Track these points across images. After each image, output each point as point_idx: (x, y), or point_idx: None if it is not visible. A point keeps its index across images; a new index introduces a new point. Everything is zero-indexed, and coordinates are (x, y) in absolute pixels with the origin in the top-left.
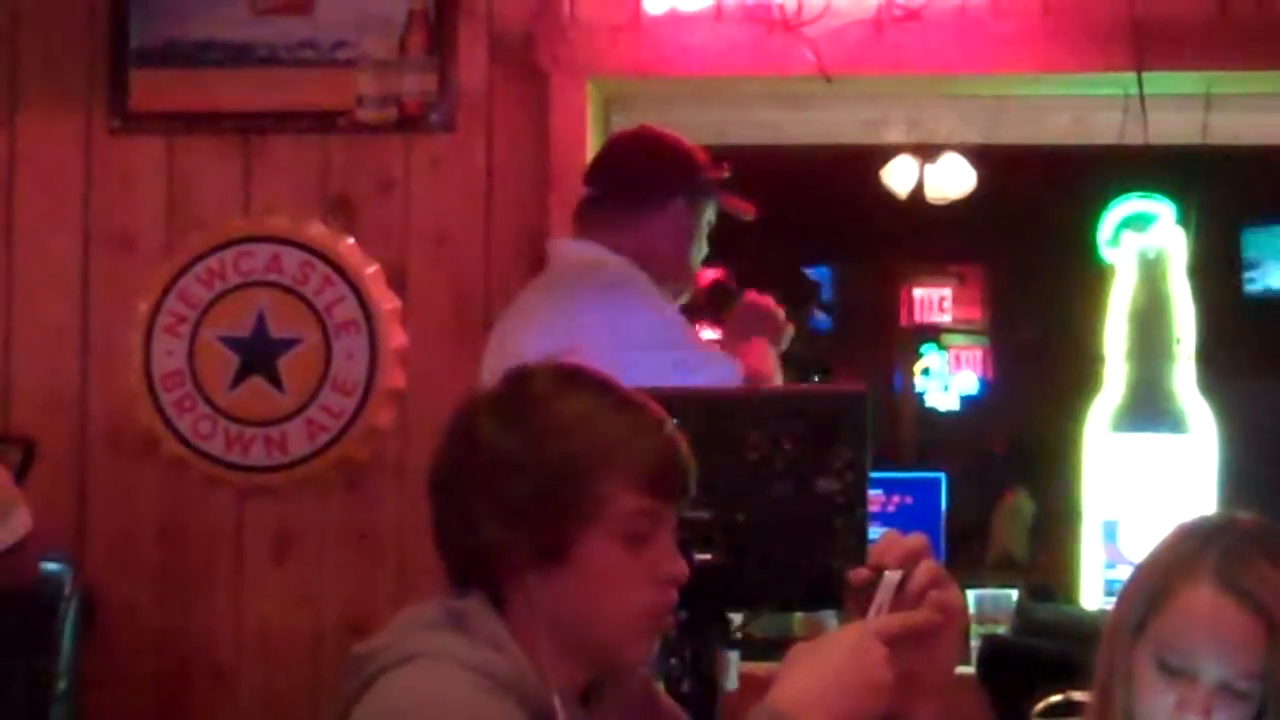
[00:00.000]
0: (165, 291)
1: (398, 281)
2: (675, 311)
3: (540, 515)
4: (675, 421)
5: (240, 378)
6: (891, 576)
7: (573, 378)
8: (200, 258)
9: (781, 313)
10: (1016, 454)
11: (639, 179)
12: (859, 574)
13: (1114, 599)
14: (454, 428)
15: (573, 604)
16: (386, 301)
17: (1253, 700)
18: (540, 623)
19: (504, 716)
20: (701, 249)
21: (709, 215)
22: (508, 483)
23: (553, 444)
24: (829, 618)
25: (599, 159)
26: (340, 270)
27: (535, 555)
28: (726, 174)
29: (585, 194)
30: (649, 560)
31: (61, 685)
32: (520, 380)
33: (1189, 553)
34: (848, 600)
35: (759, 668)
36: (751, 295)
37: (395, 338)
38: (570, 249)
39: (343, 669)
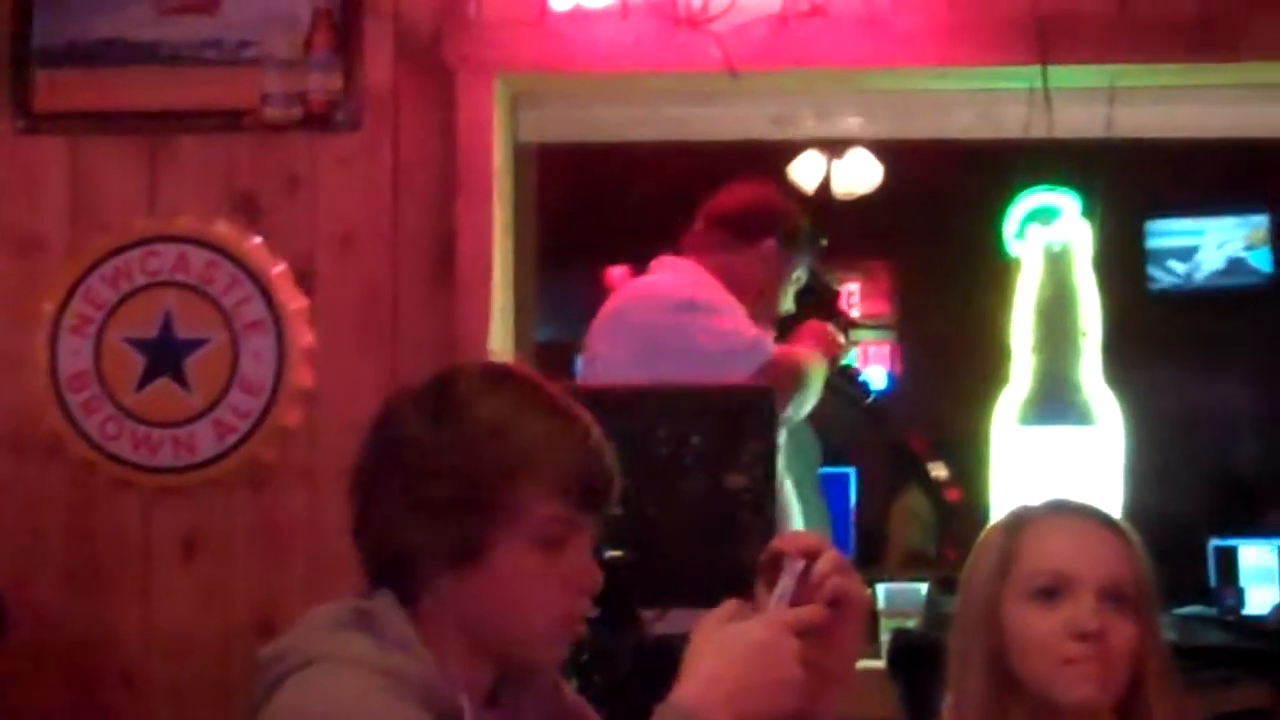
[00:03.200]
0: (70, 293)
1: (305, 281)
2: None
3: (457, 516)
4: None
5: (147, 379)
6: (795, 564)
7: (501, 378)
8: (105, 258)
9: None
10: (924, 450)
11: (738, 213)
12: (765, 553)
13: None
14: (378, 422)
15: (485, 607)
16: (294, 301)
17: (1134, 614)
18: (451, 623)
19: (410, 717)
20: (785, 298)
21: (800, 271)
22: (427, 481)
23: (473, 446)
24: None
25: (711, 199)
26: (247, 270)
27: (450, 556)
28: (823, 240)
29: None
30: (564, 567)
31: None
32: (447, 379)
33: (1021, 512)
34: (756, 586)
35: None
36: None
37: (303, 337)
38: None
39: (252, 672)
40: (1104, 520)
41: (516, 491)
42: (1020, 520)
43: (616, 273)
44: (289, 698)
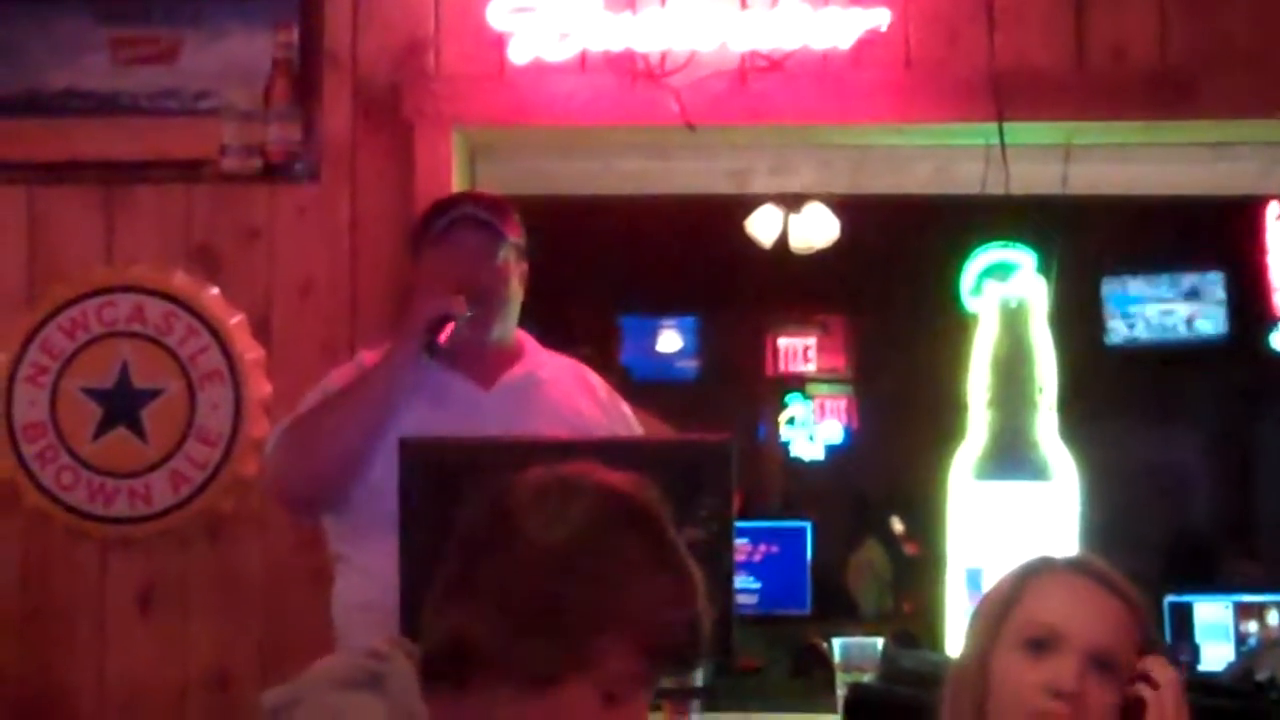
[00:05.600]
0: (27, 342)
1: (263, 331)
2: None
3: (542, 640)
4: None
5: (103, 429)
6: None
7: (633, 513)
8: (63, 308)
9: None
10: (881, 504)
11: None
12: None
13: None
14: (498, 499)
15: None
16: (251, 351)
17: (1116, 683)
18: None
19: None
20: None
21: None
22: (527, 591)
23: (585, 581)
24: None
25: None
26: (204, 320)
27: (519, 675)
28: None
29: None
30: None
31: None
32: (576, 488)
33: (1037, 563)
34: None
35: None
36: None
37: (260, 388)
38: None
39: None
40: (1113, 588)
41: (610, 638)
42: (1033, 570)
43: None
44: None
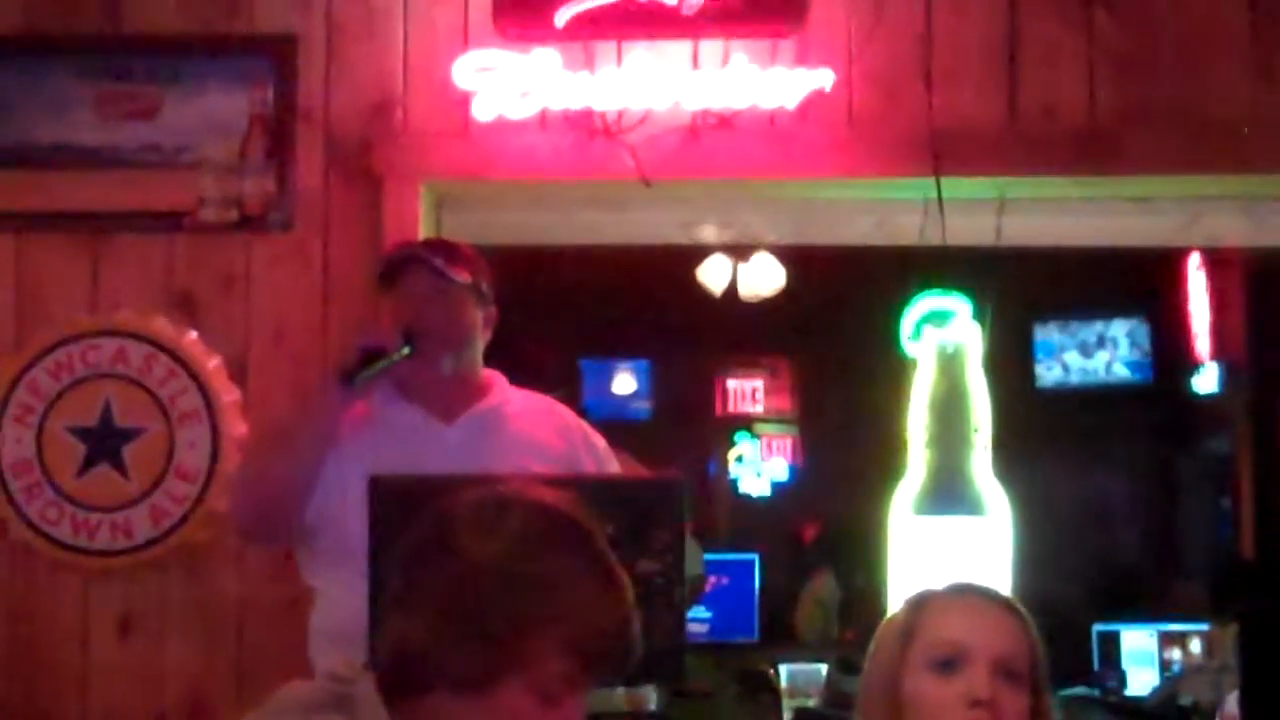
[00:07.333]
0: (14, 383)
1: (239, 373)
2: None
3: (478, 645)
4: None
5: (87, 465)
6: None
7: (558, 523)
8: (48, 351)
9: None
10: (825, 538)
11: None
12: None
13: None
14: (433, 522)
15: None
16: (227, 393)
17: (1025, 689)
18: None
19: None
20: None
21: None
22: (464, 601)
23: (516, 587)
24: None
25: None
26: (183, 363)
27: (458, 679)
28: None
29: None
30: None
31: None
32: (505, 504)
33: (924, 593)
34: None
35: None
36: None
37: (236, 427)
38: None
39: None
40: (1000, 601)
41: (540, 641)
42: (924, 599)
43: None
44: None
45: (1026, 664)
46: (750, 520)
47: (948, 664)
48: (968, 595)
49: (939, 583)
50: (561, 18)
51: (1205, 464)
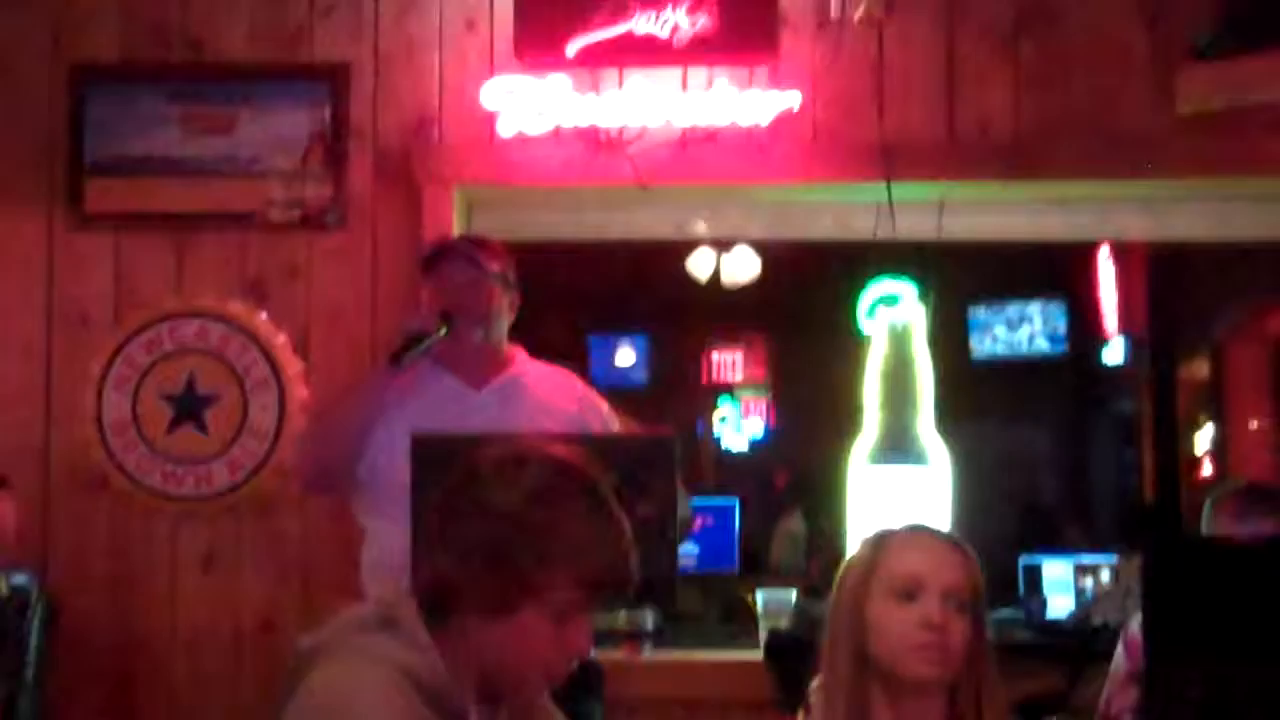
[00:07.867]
0: (113, 357)
1: (302, 348)
2: None
3: (501, 578)
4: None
5: (174, 426)
6: None
7: (568, 474)
8: (141, 330)
9: None
10: (795, 485)
11: None
12: None
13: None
14: (464, 472)
15: (497, 653)
16: (292, 365)
17: (967, 616)
18: (464, 651)
19: (413, 710)
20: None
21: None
22: (489, 541)
23: (532, 529)
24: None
25: None
26: (255, 340)
27: (485, 605)
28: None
29: None
30: (565, 637)
31: (29, 676)
32: (524, 458)
33: (885, 531)
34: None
35: None
36: None
37: (300, 393)
38: None
39: (290, 659)
40: (951, 540)
41: (553, 574)
42: (884, 537)
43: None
44: (313, 685)
45: (971, 595)
46: (731, 470)
47: (906, 594)
48: (923, 534)
49: (896, 523)
50: (572, 49)
51: (1113, 421)
